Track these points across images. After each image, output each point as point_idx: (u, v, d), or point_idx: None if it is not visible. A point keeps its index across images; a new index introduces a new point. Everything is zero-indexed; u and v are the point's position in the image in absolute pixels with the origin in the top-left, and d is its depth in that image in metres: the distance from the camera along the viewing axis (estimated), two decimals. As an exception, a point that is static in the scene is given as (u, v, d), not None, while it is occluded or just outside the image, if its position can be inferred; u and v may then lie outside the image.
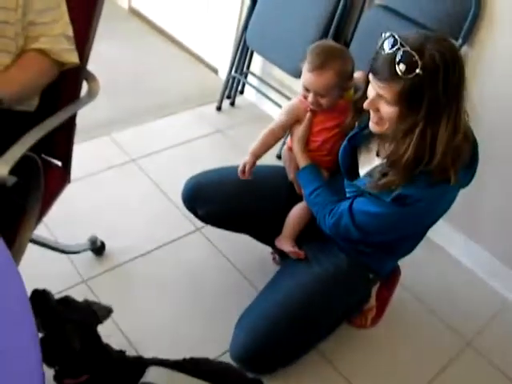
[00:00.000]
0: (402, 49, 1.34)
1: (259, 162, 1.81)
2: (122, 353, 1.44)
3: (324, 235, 1.82)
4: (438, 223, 1.70)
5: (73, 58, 1.55)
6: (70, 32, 1.54)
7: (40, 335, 1.29)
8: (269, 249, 2.18)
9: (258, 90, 3.10)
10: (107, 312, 1.40)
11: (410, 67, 1.33)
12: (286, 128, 1.80)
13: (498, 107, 2.09)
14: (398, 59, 1.34)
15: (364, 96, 1.53)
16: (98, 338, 1.40)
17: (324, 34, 2.52)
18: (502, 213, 2.27)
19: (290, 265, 1.90)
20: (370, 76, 1.44)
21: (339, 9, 2.48)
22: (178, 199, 2.01)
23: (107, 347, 1.42)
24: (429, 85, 1.35)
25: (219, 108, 3.11)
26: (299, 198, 1.85)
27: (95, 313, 1.38)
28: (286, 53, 2.69)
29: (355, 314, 2.06)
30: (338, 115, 1.75)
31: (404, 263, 2.02)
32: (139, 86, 3.16)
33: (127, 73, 3.23)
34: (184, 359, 1.48)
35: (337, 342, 1.99)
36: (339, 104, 1.75)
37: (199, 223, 2.13)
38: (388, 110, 1.43)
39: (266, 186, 1.94)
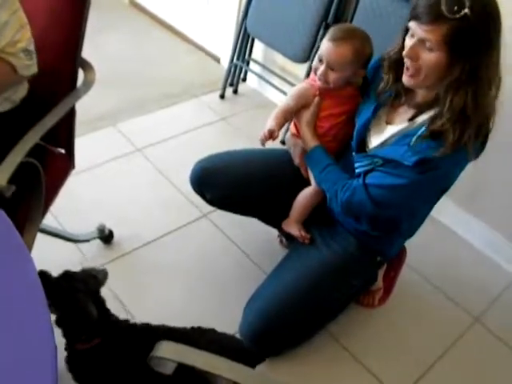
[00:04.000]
0: None
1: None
2: (126, 321, 1.49)
3: (332, 219, 1.83)
4: (444, 202, 1.70)
5: (31, 71, 1.53)
6: (31, 46, 1.50)
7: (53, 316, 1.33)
8: (275, 232, 2.19)
9: (261, 77, 3.10)
10: (104, 274, 1.45)
11: (458, 6, 1.32)
12: (293, 112, 1.78)
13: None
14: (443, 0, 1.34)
15: (400, 50, 1.52)
16: (103, 302, 1.44)
17: (324, 17, 2.53)
18: (508, 190, 2.26)
19: (298, 248, 1.91)
20: (412, 23, 1.42)
21: (338, -10, 2.50)
22: (184, 187, 2.02)
23: (112, 313, 1.47)
24: (478, 26, 1.34)
25: (222, 96, 3.11)
26: (306, 182, 1.85)
27: (96, 277, 1.42)
28: (286, 38, 2.69)
29: (362, 294, 2.07)
30: (345, 102, 1.75)
31: (410, 244, 2.02)
32: (142, 77, 3.16)
33: (130, 64, 3.24)
34: (192, 327, 1.53)
35: (345, 321, 2.00)
36: (347, 91, 1.74)
37: (206, 209, 2.14)
38: (431, 56, 1.40)
39: (272, 169, 1.95)
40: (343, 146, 1.79)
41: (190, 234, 2.26)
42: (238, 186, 1.92)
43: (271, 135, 1.68)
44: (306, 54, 2.63)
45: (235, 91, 3.18)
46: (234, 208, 2.04)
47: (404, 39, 1.50)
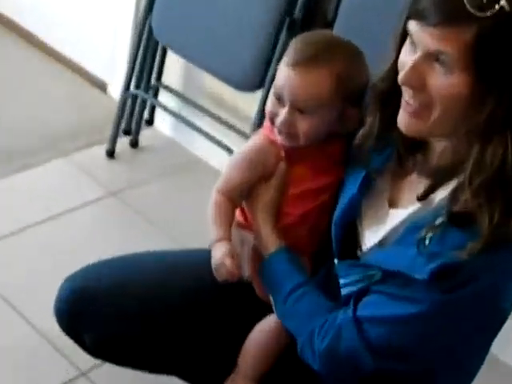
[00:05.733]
0: None
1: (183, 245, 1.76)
2: None
3: (310, 375, 1.79)
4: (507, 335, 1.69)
5: None
6: None
7: None
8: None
9: (178, 117, 3.13)
10: None
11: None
12: (245, 190, 1.77)
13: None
14: None
15: (392, 72, 1.52)
16: None
17: (288, 10, 2.58)
18: None
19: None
20: (413, 26, 1.42)
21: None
22: (47, 324, 2.04)
23: None
24: None
25: (111, 153, 3.13)
26: (262, 307, 1.83)
27: None
28: (224, 49, 2.81)
29: None
30: (330, 167, 1.75)
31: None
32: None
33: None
34: None
35: None
36: (333, 147, 1.75)
37: (85, 363, 2.19)
38: (448, 81, 1.40)
39: (200, 287, 1.94)
40: (325, 244, 1.77)
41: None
42: (140, 317, 1.91)
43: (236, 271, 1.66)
44: (259, 77, 2.68)
45: (134, 143, 3.23)
46: (135, 358, 2.00)
47: (398, 54, 1.51)
